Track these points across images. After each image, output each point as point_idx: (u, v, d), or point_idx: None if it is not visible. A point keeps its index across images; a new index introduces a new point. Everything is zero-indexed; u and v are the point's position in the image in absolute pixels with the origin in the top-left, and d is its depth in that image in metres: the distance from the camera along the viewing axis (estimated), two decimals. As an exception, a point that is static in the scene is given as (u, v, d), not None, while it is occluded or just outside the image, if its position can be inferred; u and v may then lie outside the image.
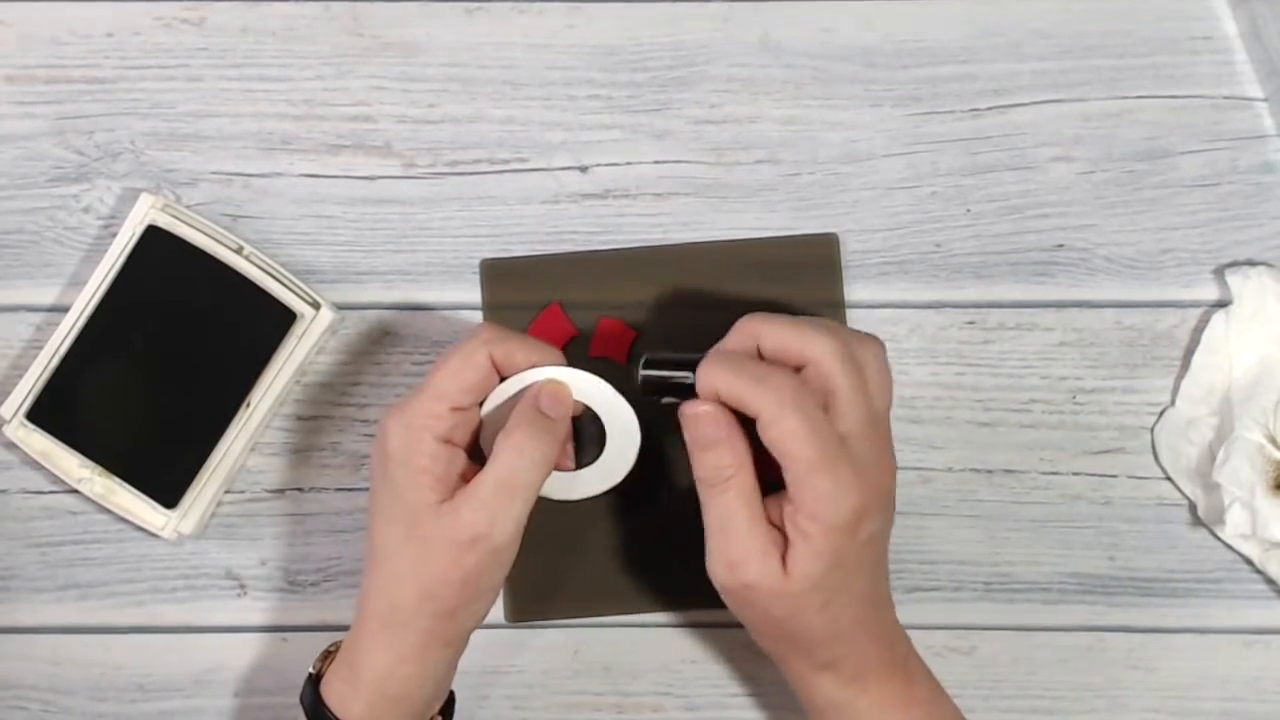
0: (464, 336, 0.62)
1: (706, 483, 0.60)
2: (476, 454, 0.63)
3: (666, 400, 0.62)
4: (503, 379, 0.63)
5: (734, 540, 0.59)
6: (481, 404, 0.63)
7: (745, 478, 0.59)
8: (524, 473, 0.60)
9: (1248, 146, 0.73)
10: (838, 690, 0.62)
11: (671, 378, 0.62)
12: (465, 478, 0.61)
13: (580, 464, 0.65)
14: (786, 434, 0.57)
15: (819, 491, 0.58)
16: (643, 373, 0.62)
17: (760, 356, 0.61)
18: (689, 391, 0.60)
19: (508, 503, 0.60)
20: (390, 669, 0.61)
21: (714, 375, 0.59)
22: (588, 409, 0.64)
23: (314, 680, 0.63)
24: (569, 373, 0.63)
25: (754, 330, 0.61)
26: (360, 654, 0.62)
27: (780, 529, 0.59)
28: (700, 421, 0.60)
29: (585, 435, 0.66)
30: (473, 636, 0.64)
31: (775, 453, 0.58)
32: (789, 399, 0.58)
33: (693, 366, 0.60)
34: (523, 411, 0.61)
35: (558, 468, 0.64)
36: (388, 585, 0.61)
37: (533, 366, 0.63)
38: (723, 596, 0.61)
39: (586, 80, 0.74)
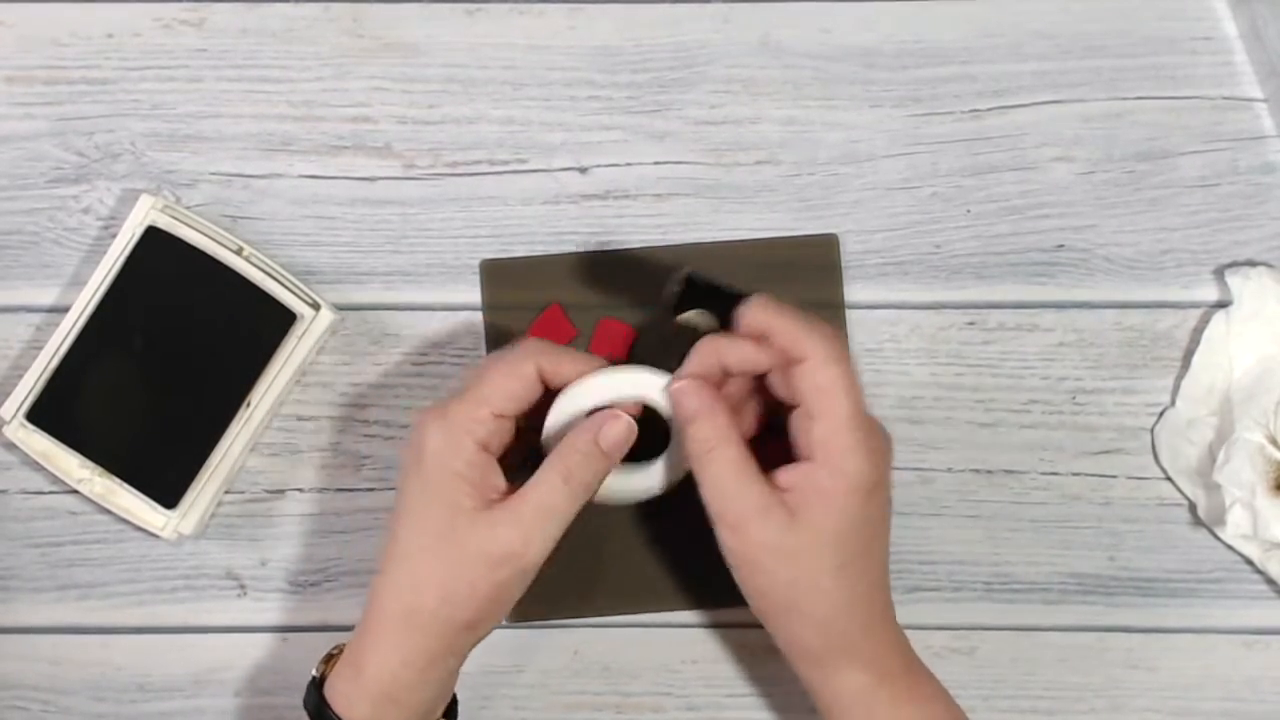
0: (510, 348, 0.62)
1: (694, 455, 0.60)
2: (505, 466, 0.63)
3: (688, 324, 0.62)
4: (547, 390, 0.62)
5: (728, 501, 0.60)
6: (520, 416, 0.62)
7: (731, 445, 0.60)
8: (566, 501, 0.60)
9: (1248, 147, 0.73)
10: (855, 675, 0.61)
11: (710, 297, 0.62)
12: (498, 489, 0.61)
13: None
14: (831, 382, 0.59)
15: (847, 447, 0.58)
16: (677, 289, 0.63)
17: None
18: (722, 317, 0.61)
19: (545, 526, 0.60)
20: (395, 672, 0.61)
21: (767, 312, 0.60)
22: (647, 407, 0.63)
23: (317, 684, 0.63)
24: (635, 373, 0.63)
25: (766, 306, 0.61)
26: (366, 655, 0.61)
27: (789, 493, 0.59)
28: (684, 394, 0.60)
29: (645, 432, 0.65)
30: (473, 636, 0.65)
31: (808, 402, 0.59)
32: (837, 351, 0.59)
33: (733, 300, 0.61)
34: (579, 440, 0.61)
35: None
36: (408, 588, 0.61)
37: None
38: (733, 570, 0.61)
39: (586, 81, 0.74)
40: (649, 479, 0.64)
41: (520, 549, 0.60)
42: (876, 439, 0.60)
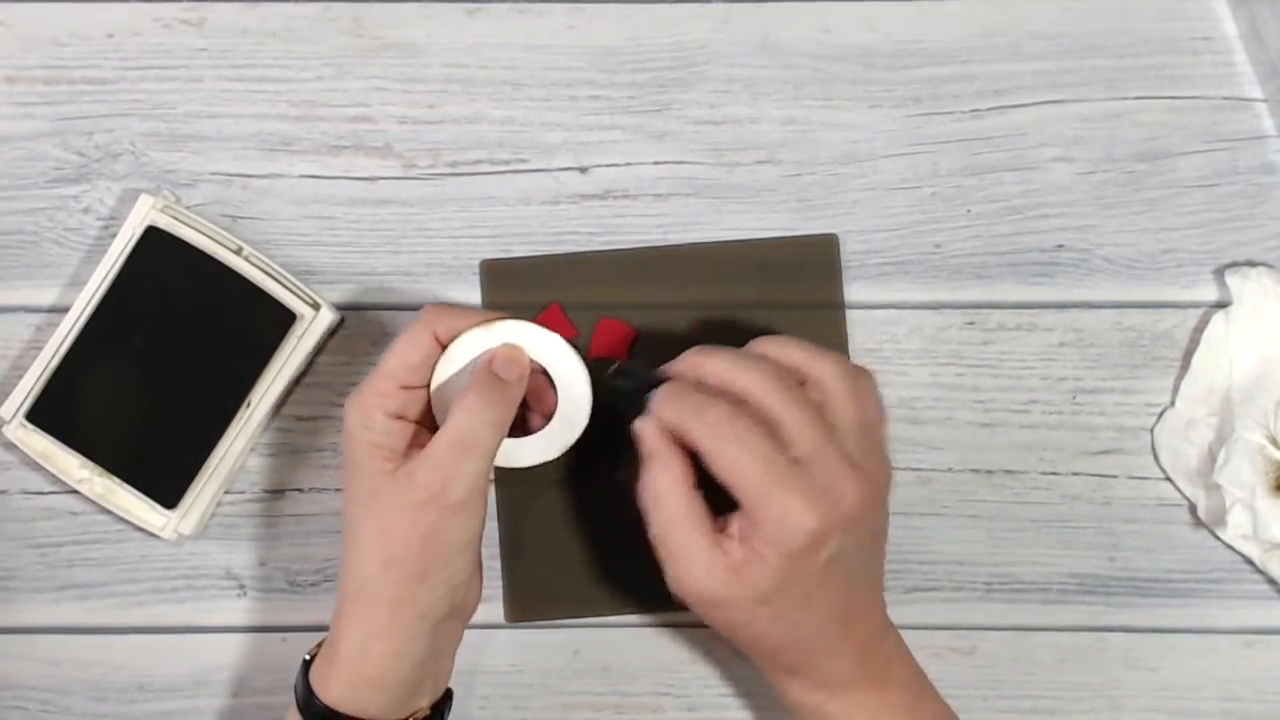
0: (413, 320, 0.63)
1: (645, 497, 0.61)
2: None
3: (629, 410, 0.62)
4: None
5: (676, 553, 0.60)
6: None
7: (683, 492, 0.60)
8: (476, 432, 0.61)
9: (1248, 147, 0.73)
10: (804, 694, 0.63)
11: (633, 390, 0.62)
12: (421, 446, 0.62)
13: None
14: (727, 466, 0.58)
15: (769, 518, 0.58)
16: (611, 382, 0.64)
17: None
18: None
19: (460, 461, 0.61)
20: (364, 646, 0.61)
21: (659, 408, 0.60)
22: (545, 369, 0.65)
23: (306, 665, 0.63)
24: (518, 326, 0.64)
25: (696, 364, 0.61)
26: (338, 634, 0.62)
27: (732, 544, 0.59)
28: (641, 437, 0.61)
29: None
30: (472, 636, 0.65)
31: (724, 485, 0.59)
32: (727, 432, 0.58)
33: (652, 386, 0.61)
34: (477, 374, 0.62)
35: (532, 426, 0.65)
36: (354, 560, 0.62)
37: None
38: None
39: (586, 81, 0.74)
40: (544, 443, 0.65)
41: (439, 488, 0.60)
42: (804, 494, 0.58)
